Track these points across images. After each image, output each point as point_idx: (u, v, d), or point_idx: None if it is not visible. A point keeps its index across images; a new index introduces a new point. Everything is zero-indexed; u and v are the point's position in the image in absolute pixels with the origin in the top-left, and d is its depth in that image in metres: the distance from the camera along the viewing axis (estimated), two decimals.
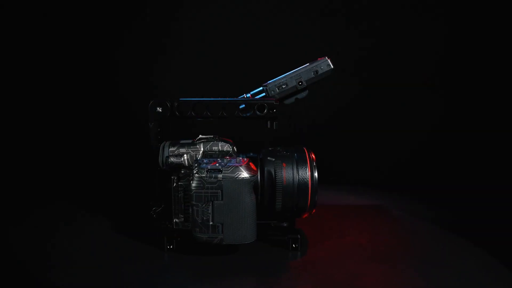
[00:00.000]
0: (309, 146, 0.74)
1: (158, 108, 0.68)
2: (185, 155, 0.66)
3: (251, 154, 0.70)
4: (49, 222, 0.80)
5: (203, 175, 0.61)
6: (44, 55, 1.20)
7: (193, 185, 0.61)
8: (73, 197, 0.95)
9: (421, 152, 1.15)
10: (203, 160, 0.63)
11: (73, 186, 1.04)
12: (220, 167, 0.61)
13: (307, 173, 0.68)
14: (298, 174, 0.68)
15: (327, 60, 0.72)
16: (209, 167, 0.61)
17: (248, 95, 0.74)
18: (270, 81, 0.72)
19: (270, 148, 0.71)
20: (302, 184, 0.67)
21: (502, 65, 1.14)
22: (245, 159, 0.64)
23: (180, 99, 0.68)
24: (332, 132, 1.20)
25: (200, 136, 0.69)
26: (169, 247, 0.67)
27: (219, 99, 0.70)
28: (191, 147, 0.67)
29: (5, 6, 1.15)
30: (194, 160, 0.65)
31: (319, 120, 1.23)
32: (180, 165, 0.66)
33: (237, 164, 0.62)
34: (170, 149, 0.67)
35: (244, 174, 0.61)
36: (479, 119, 1.15)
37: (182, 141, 0.68)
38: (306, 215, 0.71)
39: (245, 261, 0.65)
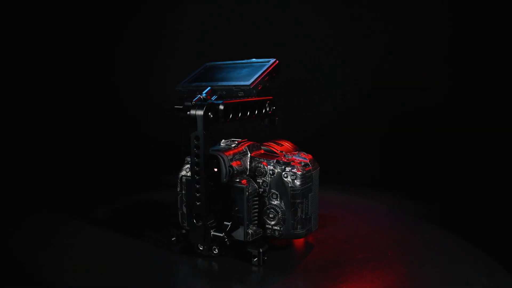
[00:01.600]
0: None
1: (209, 114, 0.59)
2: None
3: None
4: (51, 225, 0.79)
5: (304, 172, 0.62)
6: (42, 56, 1.20)
7: (299, 183, 0.62)
8: (81, 202, 0.95)
9: (420, 152, 1.15)
10: (280, 161, 0.63)
11: (77, 189, 1.04)
12: (308, 162, 0.63)
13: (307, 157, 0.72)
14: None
15: (277, 62, 0.73)
16: (302, 163, 0.63)
17: (204, 94, 0.72)
18: (252, 81, 0.70)
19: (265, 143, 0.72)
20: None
21: (503, 66, 1.14)
22: (307, 154, 0.66)
23: (224, 102, 0.61)
24: (332, 132, 1.20)
25: (224, 140, 0.67)
26: (265, 258, 0.62)
27: (250, 100, 0.68)
28: (241, 153, 0.65)
29: (4, 7, 1.15)
30: (266, 164, 0.63)
31: (319, 121, 1.23)
32: (242, 172, 0.63)
33: (309, 157, 0.65)
34: (228, 158, 0.62)
35: (318, 166, 0.65)
36: (479, 119, 1.15)
37: (213, 148, 0.64)
38: None
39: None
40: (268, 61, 0.70)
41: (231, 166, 0.61)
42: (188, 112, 0.59)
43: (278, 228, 0.62)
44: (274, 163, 0.63)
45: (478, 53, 1.17)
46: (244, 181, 0.62)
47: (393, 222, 0.81)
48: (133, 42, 1.26)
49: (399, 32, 1.22)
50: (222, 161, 0.61)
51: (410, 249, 0.69)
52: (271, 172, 0.62)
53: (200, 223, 0.60)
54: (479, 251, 0.67)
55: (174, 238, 0.67)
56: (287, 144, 0.73)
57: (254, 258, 0.61)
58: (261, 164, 0.63)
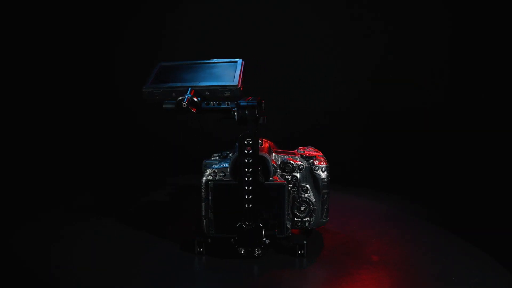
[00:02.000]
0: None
1: (257, 114, 0.60)
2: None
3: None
4: (53, 226, 0.79)
5: (328, 164, 0.66)
6: (41, 56, 1.20)
7: (327, 174, 0.66)
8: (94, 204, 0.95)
9: (420, 152, 1.15)
10: (303, 155, 0.66)
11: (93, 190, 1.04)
12: (323, 155, 0.67)
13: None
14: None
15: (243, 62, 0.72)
16: (321, 157, 0.66)
17: (189, 95, 0.70)
18: (238, 81, 0.68)
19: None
20: None
21: (504, 66, 1.14)
22: (315, 148, 0.70)
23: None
24: (332, 132, 1.20)
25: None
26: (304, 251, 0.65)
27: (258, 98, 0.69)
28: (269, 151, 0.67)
29: (4, 7, 1.15)
30: (293, 159, 0.66)
31: (319, 120, 1.23)
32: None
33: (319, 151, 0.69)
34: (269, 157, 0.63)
35: None
36: (480, 119, 1.14)
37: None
38: None
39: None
40: (235, 61, 0.69)
41: (273, 165, 0.63)
42: (236, 113, 0.60)
43: (308, 219, 0.66)
44: (300, 158, 0.66)
45: (478, 53, 1.16)
46: (276, 178, 0.64)
47: (391, 219, 0.81)
48: (133, 42, 1.26)
49: (399, 32, 1.22)
50: (268, 161, 0.62)
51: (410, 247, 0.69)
52: (300, 167, 0.65)
53: (252, 226, 0.61)
54: (479, 251, 0.67)
55: (201, 249, 0.65)
56: (270, 143, 0.73)
57: (301, 250, 0.64)
58: (288, 160, 0.65)
